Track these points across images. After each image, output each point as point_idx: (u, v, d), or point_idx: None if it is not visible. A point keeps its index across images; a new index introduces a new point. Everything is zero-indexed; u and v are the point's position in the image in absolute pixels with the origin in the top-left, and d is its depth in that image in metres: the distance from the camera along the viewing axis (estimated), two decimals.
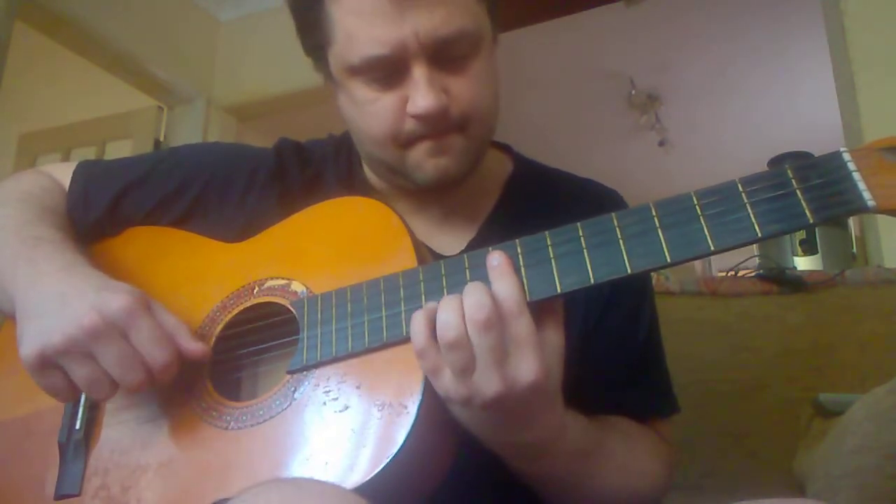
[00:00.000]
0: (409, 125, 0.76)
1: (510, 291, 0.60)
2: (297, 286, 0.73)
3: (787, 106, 4.59)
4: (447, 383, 0.60)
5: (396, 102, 0.75)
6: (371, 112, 0.77)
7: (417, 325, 0.61)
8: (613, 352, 0.84)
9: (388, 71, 0.74)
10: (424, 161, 0.78)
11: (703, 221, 0.59)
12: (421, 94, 0.73)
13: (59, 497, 0.73)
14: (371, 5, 0.72)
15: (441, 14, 0.72)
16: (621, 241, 0.61)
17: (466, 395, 0.60)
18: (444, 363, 0.60)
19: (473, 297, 0.59)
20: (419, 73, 0.73)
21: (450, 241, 0.84)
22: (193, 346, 0.70)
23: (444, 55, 0.75)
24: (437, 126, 0.76)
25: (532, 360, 0.59)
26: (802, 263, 2.46)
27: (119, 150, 3.31)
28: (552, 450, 0.67)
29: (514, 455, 0.68)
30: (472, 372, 0.59)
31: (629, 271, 0.60)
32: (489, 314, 0.58)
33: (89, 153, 3.36)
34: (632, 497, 0.75)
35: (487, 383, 0.59)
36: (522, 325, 0.59)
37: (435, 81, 0.74)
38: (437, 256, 0.78)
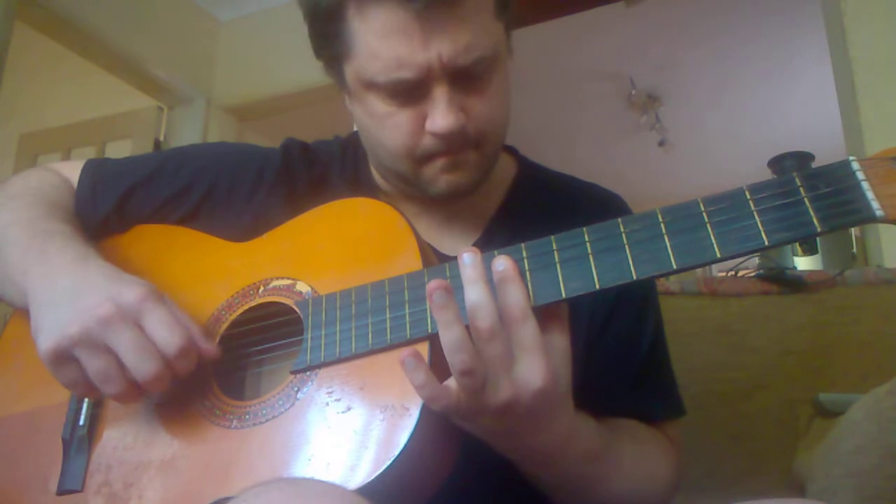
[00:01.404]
0: (427, 141, 0.76)
1: (516, 297, 0.59)
2: (302, 286, 0.74)
3: (787, 105, 4.59)
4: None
5: (414, 119, 0.75)
6: (388, 125, 0.77)
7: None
8: (619, 356, 0.84)
9: (410, 90, 0.74)
10: (438, 177, 0.78)
11: (709, 229, 0.58)
12: (441, 114, 0.73)
13: (61, 493, 0.73)
14: (398, 27, 0.71)
15: (465, 40, 0.72)
16: (627, 247, 0.60)
17: (477, 404, 0.60)
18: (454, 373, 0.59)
19: (477, 306, 0.59)
20: (440, 93, 0.74)
21: (454, 241, 0.85)
22: (204, 346, 0.70)
23: (465, 76, 0.75)
24: (454, 144, 0.76)
25: (539, 365, 0.59)
26: (802, 263, 2.46)
27: (119, 150, 3.31)
28: (563, 454, 0.67)
29: (526, 460, 0.68)
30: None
31: (634, 277, 0.59)
32: (493, 323, 0.58)
33: (89, 153, 3.36)
34: (641, 500, 0.75)
35: (496, 391, 0.59)
36: (528, 331, 0.59)
37: (455, 101, 0.74)
38: (442, 257, 0.78)
